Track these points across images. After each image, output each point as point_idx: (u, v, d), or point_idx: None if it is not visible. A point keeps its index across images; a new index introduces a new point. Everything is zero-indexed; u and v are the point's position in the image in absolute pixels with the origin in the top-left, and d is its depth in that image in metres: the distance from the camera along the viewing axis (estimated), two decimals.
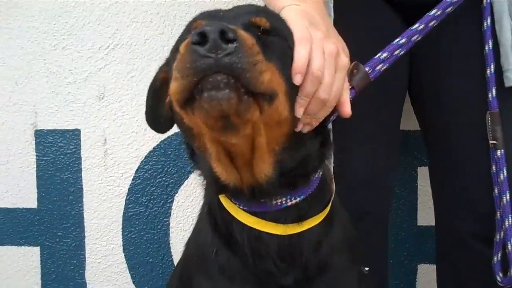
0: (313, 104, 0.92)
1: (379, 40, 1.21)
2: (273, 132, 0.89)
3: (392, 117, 1.50)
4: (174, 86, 0.79)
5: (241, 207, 0.99)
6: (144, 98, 1.86)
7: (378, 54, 1.16)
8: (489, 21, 1.33)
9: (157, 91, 1.06)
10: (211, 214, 1.06)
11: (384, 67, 1.15)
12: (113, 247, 2.03)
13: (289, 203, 0.97)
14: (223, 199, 1.02)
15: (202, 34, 0.74)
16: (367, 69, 1.12)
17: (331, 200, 1.05)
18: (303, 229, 0.99)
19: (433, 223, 1.67)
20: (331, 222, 1.05)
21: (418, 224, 1.99)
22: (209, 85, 0.75)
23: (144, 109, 1.80)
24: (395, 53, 1.17)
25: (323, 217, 1.02)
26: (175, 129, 1.94)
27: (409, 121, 1.72)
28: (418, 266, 2.01)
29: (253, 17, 0.91)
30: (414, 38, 1.20)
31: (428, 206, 1.94)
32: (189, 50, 0.75)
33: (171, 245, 2.03)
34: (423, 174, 1.94)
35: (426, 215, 1.97)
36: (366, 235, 1.37)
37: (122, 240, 2.03)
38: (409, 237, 1.99)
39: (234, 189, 0.95)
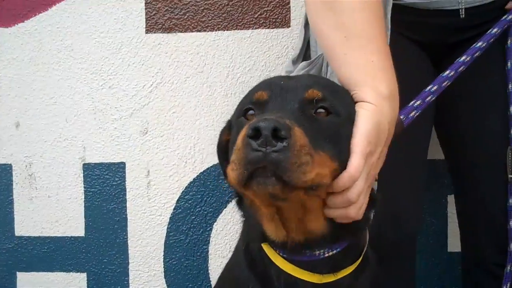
0: (339, 214, 0.94)
1: (409, 80, 1.22)
2: (322, 199, 0.92)
3: (419, 153, 1.51)
4: (232, 175, 0.83)
5: (280, 253, 1.00)
6: (184, 132, 2.05)
7: (412, 102, 1.19)
8: None
9: (222, 150, 1.08)
10: (249, 252, 1.07)
11: (417, 114, 1.18)
12: (155, 273, 2.05)
13: (326, 255, 0.98)
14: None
15: (257, 129, 0.79)
16: (401, 117, 1.13)
17: (365, 249, 1.06)
18: (337, 278, 1.00)
19: None
20: (362, 268, 1.06)
21: (448, 250, 2.00)
22: (258, 174, 0.81)
23: (183, 143, 1.93)
24: (427, 99, 1.21)
25: (356, 265, 1.03)
26: (212, 161, 2.06)
27: (439, 151, 1.74)
28: None
29: (308, 91, 0.92)
30: (444, 84, 1.23)
31: (458, 233, 1.96)
32: (244, 143, 0.80)
33: (209, 271, 2.05)
34: (452, 202, 1.89)
35: (456, 242, 1.93)
36: (395, 268, 1.41)
37: (164, 267, 2.05)
38: (440, 263, 2.00)
39: (279, 243, 0.97)
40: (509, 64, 1.39)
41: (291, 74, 1.40)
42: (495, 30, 1.33)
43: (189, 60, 2.02)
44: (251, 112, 0.95)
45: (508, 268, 1.41)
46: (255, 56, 2.00)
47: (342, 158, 0.90)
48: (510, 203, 1.40)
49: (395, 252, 1.41)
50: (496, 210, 1.45)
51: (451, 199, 1.97)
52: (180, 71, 2.02)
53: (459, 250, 1.89)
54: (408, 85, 1.18)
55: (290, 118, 0.84)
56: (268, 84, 0.97)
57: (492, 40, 1.32)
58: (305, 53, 1.48)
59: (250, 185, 0.82)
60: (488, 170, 1.46)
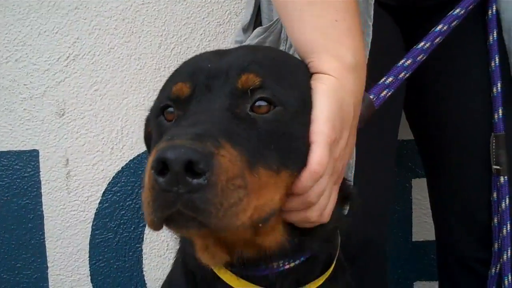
0: (300, 219, 0.81)
1: (378, 52, 1.13)
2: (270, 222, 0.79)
3: (390, 139, 1.42)
4: (145, 216, 0.70)
5: (228, 268, 0.87)
6: (109, 113, 1.86)
7: (383, 79, 1.09)
8: (495, 34, 1.28)
9: (148, 142, 1.01)
10: (187, 267, 0.94)
11: (389, 93, 1.09)
12: (80, 278, 1.94)
13: (286, 267, 0.84)
14: None
15: (163, 162, 0.64)
16: (371, 96, 1.03)
17: (336, 257, 0.93)
18: None
19: (428, 238, 1.68)
20: (333, 276, 0.92)
21: (413, 239, 1.97)
22: (174, 218, 0.67)
23: (109, 126, 1.77)
24: (400, 76, 1.11)
25: (325, 278, 0.89)
26: (144, 146, 1.85)
27: (402, 130, 1.64)
28: (414, 283, 2.00)
29: (241, 77, 0.77)
30: (419, 58, 1.13)
31: (424, 220, 1.94)
32: (151, 180, 0.66)
33: (144, 273, 1.95)
34: (418, 186, 1.92)
35: (421, 230, 1.95)
36: (368, 265, 1.35)
37: (90, 270, 1.94)
38: (404, 254, 1.97)
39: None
40: (491, 38, 1.29)
41: (244, 43, 1.33)
42: None
43: (113, 27, 1.86)
44: (170, 109, 0.82)
45: (493, 270, 1.36)
46: (192, 23, 1.87)
47: (299, 159, 0.76)
48: (495, 197, 1.33)
49: (367, 250, 1.34)
50: (477, 201, 1.38)
51: (415, 183, 1.94)
52: (102, 40, 1.86)
53: (424, 239, 1.95)
54: (377, 58, 1.07)
55: (218, 130, 0.69)
56: (191, 72, 0.82)
57: (471, 6, 1.21)
58: (255, 20, 1.37)
59: (169, 226, 0.70)
60: (468, 158, 1.39)
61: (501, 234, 1.31)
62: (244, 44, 1.35)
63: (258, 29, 1.29)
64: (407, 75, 1.13)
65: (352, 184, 1.02)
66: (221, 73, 0.79)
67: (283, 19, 0.95)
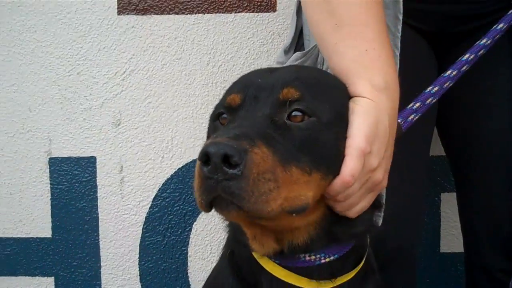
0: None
1: (411, 73, 1.16)
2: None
3: (421, 155, 1.45)
4: (196, 200, 0.80)
5: (272, 259, 0.94)
6: (161, 124, 1.95)
7: (411, 104, 1.12)
8: None
9: None
10: (234, 259, 1.01)
11: (416, 117, 1.11)
12: (130, 277, 1.98)
13: (323, 261, 0.92)
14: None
15: (206, 155, 0.74)
16: (399, 120, 1.07)
17: (366, 255, 1.00)
18: (336, 284, 0.94)
19: (456, 250, 1.67)
20: (364, 275, 1.00)
21: (441, 251, 1.96)
22: (217, 202, 0.77)
23: (160, 136, 1.84)
24: (427, 101, 1.14)
25: (356, 272, 0.97)
26: (192, 156, 1.95)
27: (433, 146, 1.66)
28: None
29: (283, 90, 0.85)
30: (446, 85, 1.16)
31: (452, 233, 1.93)
32: (198, 169, 0.77)
33: (189, 274, 1.98)
34: (446, 201, 1.92)
35: (449, 242, 1.94)
36: (399, 273, 1.37)
37: (139, 270, 1.98)
38: (432, 264, 1.96)
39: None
40: None
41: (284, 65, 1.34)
42: (500, 25, 1.23)
43: (165, 45, 1.92)
44: (224, 116, 0.91)
45: None
46: (238, 42, 1.91)
47: (332, 166, 0.84)
48: None
49: (399, 258, 1.36)
50: (503, 215, 1.41)
51: (444, 197, 1.94)
52: (156, 57, 1.92)
53: (452, 251, 1.93)
54: (410, 78, 1.10)
55: (255, 133, 0.78)
56: (243, 85, 0.91)
57: (497, 36, 1.23)
58: (297, 42, 1.41)
59: (215, 208, 0.79)
60: (495, 174, 1.41)
61: None
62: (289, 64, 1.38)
63: (297, 54, 1.32)
64: (434, 100, 1.15)
65: (384, 194, 1.06)
66: (268, 87, 0.87)
67: (321, 48, 1.03)
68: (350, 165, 0.83)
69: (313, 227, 0.89)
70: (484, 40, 1.22)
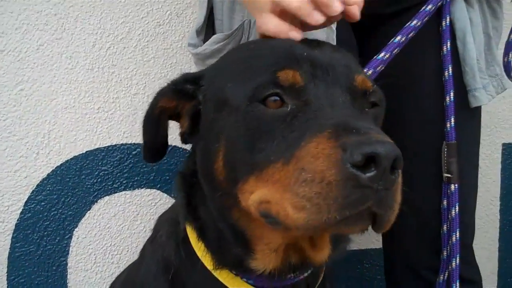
0: None
1: None
2: None
3: None
4: (298, 216, 0.67)
5: (243, 279, 0.89)
6: (36, 116, 1.68)
7: None
8: (448, 45, 1.30)
9: (156, 121, 0.94)
10: (170, 274, 0.94)
11: None
12: None
13: (301, 277, 0.92)
14: (205, 260, 0.91)
15: (371, 157, 0.62)
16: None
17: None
18: None
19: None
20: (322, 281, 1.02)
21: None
22: (352, 217, 0.66)
23: (34, 129, 1.57)
24: None
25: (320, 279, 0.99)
26: (73, 152, 1.73)
27: None
28: None
29: (357, 78, 0.81)
30: (379, 68, 1.15)
31: None
32: (345, 175, 0.63)
33: None
34: None
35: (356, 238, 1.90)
36: None
37: (8, 286, 1.77)
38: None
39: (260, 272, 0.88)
40: (444, 49, 1.30)
41: (200, 48, 1.33)
42: (429, 7, 1.23)
43: (43, 22, 1.72)
44: (274, 98, 0.77)
45: (441, 277, 1.35)
46: (130, 22, 1.78)
47: None
48: (444, 205, 1.33)
49: None
50: (428, 212, 1.38)
51: None
52: (31, 36, 1.71)
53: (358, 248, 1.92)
54: None
55: (375, 129, 0.69)
56: (292, 57, 0.80)
57: (426, 18, 1.23)
58: (207, 22, 1.39)
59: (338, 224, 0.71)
60: (420, 166, 1.36)
61: (450, 242, 1.31)
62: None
63: (218, 36, 1.29)
64: None
65: None
66: (329, 67, 0.79)
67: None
68: None
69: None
70: (414, 22, 1.21)
